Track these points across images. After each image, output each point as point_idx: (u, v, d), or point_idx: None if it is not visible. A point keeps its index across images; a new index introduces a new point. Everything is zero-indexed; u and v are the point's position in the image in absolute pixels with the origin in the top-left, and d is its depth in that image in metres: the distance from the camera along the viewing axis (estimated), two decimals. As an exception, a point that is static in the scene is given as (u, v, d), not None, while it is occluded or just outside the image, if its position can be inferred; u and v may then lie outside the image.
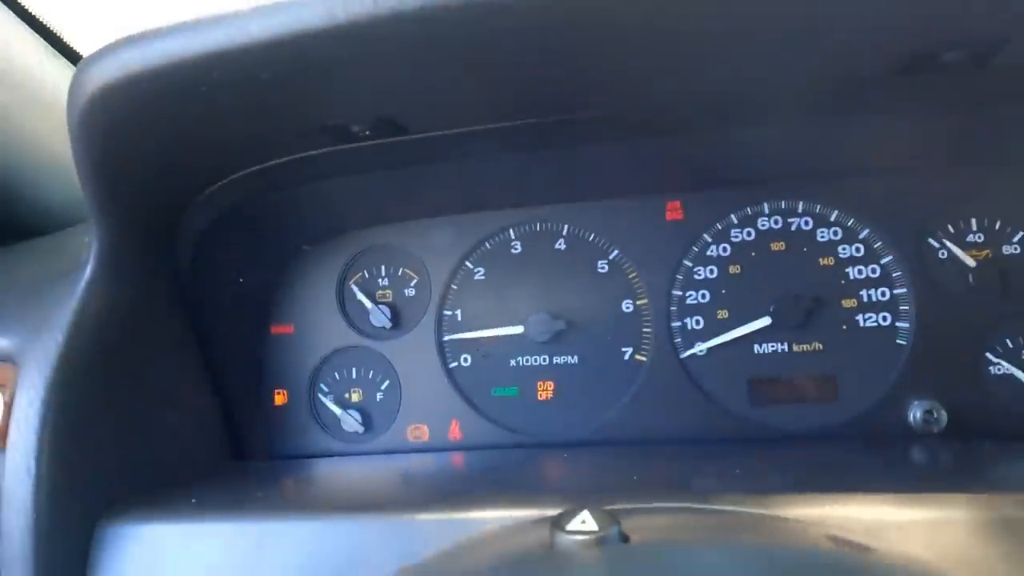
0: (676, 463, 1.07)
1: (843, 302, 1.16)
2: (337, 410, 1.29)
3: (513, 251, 1.27)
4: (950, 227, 1.14)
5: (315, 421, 1.32)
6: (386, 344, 1.30)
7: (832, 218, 1.18)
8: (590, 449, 1.16)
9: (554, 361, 1.25)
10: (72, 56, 1.42)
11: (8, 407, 1.01)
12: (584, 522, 0.63)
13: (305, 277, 1.34)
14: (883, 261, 1.16)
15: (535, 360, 1.25)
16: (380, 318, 1.30)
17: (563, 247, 1.26)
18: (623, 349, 1.22)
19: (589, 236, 1.25)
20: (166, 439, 1.15)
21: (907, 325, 1.13)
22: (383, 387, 1.30)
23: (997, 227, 1.12)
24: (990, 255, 1.12)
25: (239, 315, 1.31)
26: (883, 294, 1.15)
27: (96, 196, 0.96)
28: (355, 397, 1.31)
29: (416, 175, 1.18)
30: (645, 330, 1.21)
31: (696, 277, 1.21)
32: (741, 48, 0.79)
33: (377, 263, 1.33)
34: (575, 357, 1.24)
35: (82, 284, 1.03)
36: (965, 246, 1.13)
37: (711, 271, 1.21)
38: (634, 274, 1.23)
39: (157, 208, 1.05)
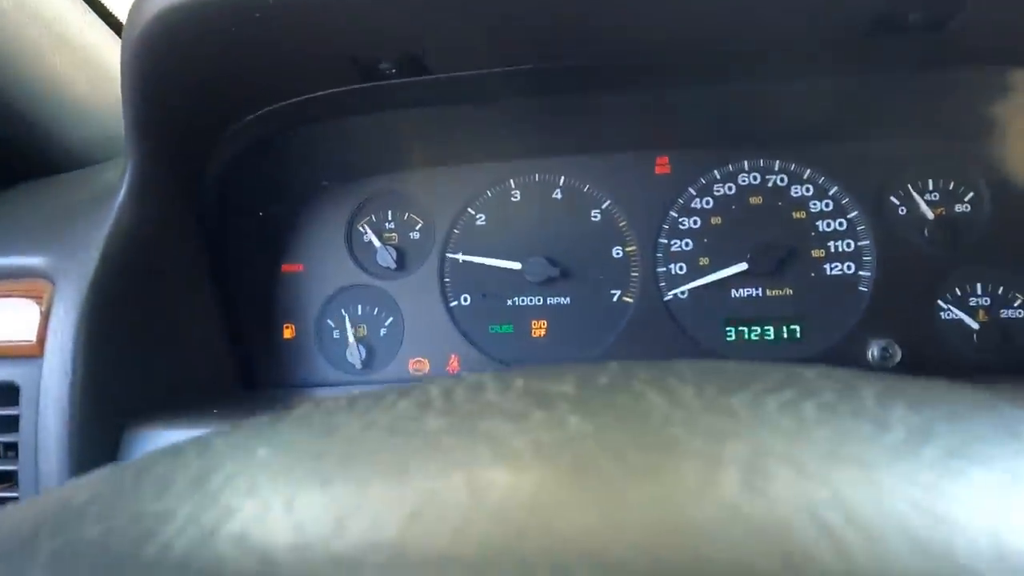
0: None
1: (812, 252, 1.27)
2: (350, 338, 1.38)
3: (513, 199, 1.34)
4: (909, 186, 1.26)
5: (321, 354, 1.40)
6: (391, 283, 1.36)
7: (805, 176, 1.27)
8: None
9: (548, 301, 1.32)
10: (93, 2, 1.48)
11: (45, 318, 1.09)
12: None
13: (316, 218, 1.42)
14: (849, 216, 1.24)
15: (530, 300, 1.34)
16: (386, 258, 1.37)
17: (559, 196, 1.33)
18: (612, 291, 1.30)
19: (584, 187, 1.32)
20: (182, 361, 1.23)
21: (868, 274, 1.22)
22: (387, 323, 1.36)
23: (951, 188, 1.24)
24: (943, 212, 1.24)
25: (253, 251, 1.39)
26: (848, 245, 1.26)
27: (136, 121, 1.04)
28: (360, 332, 1.40)
29: (427, 123, 1.28)
30: (633, 274, 1.29)
31: (681, 227, 1.29)
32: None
33: (385, 207, 1.40)
34: (567, 298, 1.32)
35: (115, 207, 1.11)
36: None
37: (695, 221, 1.29)
38: (624, 223, 1.30)
39: (190, 137, 1.13)
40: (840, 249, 1.27)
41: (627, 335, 1.30)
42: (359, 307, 1.40)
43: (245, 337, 1.36)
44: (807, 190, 1.29)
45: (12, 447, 1.11)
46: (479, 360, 1.35)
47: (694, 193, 1.31)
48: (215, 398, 1.24)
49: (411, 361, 1.37)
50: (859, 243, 1.25)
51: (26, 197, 1.35)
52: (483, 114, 1.26)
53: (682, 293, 1.30)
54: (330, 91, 1.12)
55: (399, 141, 1.35)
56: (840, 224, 1.27)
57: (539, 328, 1.35)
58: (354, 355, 1.38)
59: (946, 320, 1.22)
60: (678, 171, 1.31)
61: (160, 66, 0.93)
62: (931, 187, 1.26)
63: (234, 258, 1.34)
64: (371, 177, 1.42)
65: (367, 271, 1.38)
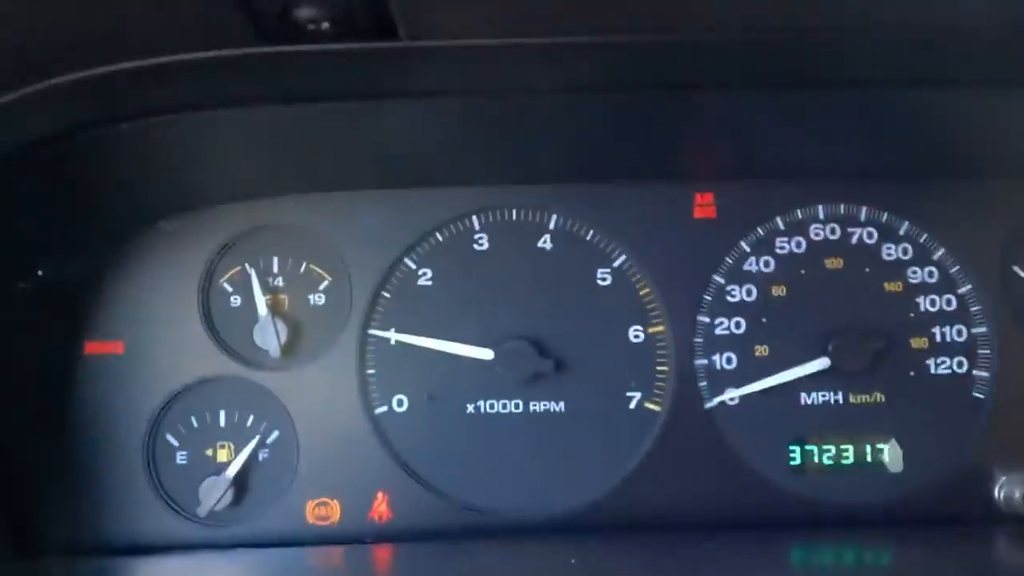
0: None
1: (912, 341, 0.94)
2: (234, 466, 0.90)
3: (477, 247, 0.95)
4: (1037, 251, 0.96)
5: (157, 494, 0.91)
6: (277, 376, 0.93)
7: (901, 231, 0.96)
8: (581, 537, 0.89)
9: (531, 408, 0.93)
10: None
11: None
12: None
13: (146, 270, 0.92)
14: (960, 291, 0.94)
15: (504, 406, 0.93)
16: (269, 336, 0.92)
17: (549, 246, 0.95)
18: (629, 394, 0.94)
19: (586, 232, 0.96)
20: None
21: (986, 374, 0.94)
22: (270, 441, 0.93)
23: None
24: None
25: (36, 324, 0.87)
26: (959, 333, 0.94)
27: None
28: (223, 456, 0.92)
29: (347, 119, 0.80)
30: (660, 368, 0.94)
31: (730, 299, 0.95)
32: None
33: (267, 253, 0.95)
34: (561, 404, 0.94)
35: None
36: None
37: (748, 292, 0.96)
38: (647, 289, 0.95)
39: None
40: (948, 338, 0.94)
41: (651, 463, 0.92)
42: (222, 414, 0.93)
43: (21, 473, 0.84)
44: (904, 251, 0.96)
45: None
46: (422, 502, 0.90)
47: (748, 249, 0.97)
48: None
49: (310, 504, 0.90)
50: (973, 330, 0.95)
51: None
52: (435, 110, 0.78)
53: (732, 400, 0.93)
54: (176, 58, 0.58)
55: (285, 153, 0.87)
56: (948, 302, 0.95)
57: (518, 451, 0.92)
58: (212, 495, 0.89)
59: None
60: (726, 215, 0.96)
61: None
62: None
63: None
64: (239, 203, 0.93)
65: (235, 355, 0.94)
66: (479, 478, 0.92)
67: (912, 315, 0.95)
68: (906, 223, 0.96)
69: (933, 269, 0.96)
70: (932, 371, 0.94)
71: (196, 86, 0.60)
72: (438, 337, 0.93)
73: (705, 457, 0.92)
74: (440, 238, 0.94)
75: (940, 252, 0.96)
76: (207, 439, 0.92)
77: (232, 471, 0.88)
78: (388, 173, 0.91)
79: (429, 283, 0.94)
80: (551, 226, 0.95)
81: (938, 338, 0.94)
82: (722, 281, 0.95)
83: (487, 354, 0.92)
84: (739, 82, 0.77)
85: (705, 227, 0.96)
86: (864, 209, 0.96)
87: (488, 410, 0.93)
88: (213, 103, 0.62)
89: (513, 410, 0.93)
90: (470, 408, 0.93)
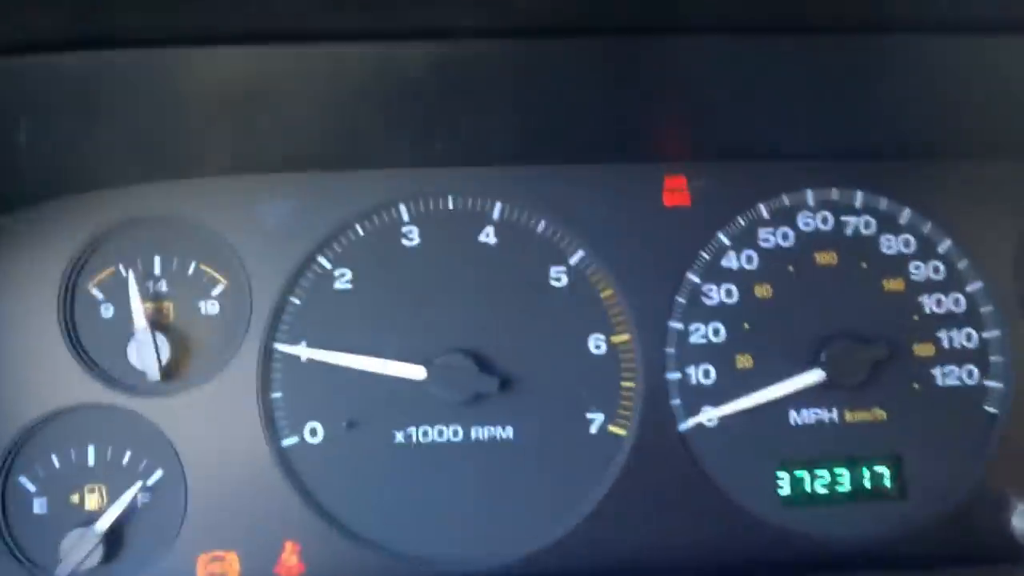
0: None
1: (916, 348, 0.83)
2: (81, 523, 0.75)
3: (406, 242, 0.83)
4: (1057, 242, 0.87)
5: (7, 551, 0.76)
6: (159, 403, 0.79)
7: (902, 220, 0.85)
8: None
9: (473, 436, 0.81)
10: None
11: None
12: None
13: None
14: (969, 288, 0.84)
15: (440, 434, 0.81)
16: (147, 354, 0.78)
17: (492, 240, 0.84)
18: (589, 416, 0.82)
19: (536, 223, 0.84)
20: None
21: (999, 385, 0.84)
22: (152, 483, 0.78)
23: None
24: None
25: None
26: (968, 337, 0.84)
27: None
28: (93, 503, 0.77)
29: (230, 75, 0.66)
30: (625, 385, 0.83)
31: (707, 301, 0.84)
32: None
33: (146, 252, 0.81)
34: (508, 429, 0.81)
35: None
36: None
37: (728, 293, 0.85)
38: (609, 291, 0.84)
39: None
40: (956, 343, 0.84)
41: (617, 496, 0.79)
42: (90, 451, 0.78)
43: None
44: (905, 243, 0.85)
45: None
46: (340, 551, 0.76)
47: (727, 242, 0.85)
48: None
49: (202, 558, 0.76)
50: (984, 334, 0.85)
51: None
52: (342, 65, 0.66)
53: (710, 421, 0.82)
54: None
55: (164, 124, 0.73)
56: (956, 302, 0.84)
57: (457, 488, 0.79)
58: (77, 551, 0.74)
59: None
60: (701, 202, 0.85)
61: None
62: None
63: None
64: (110, 190, 0.79)
65: (107, 379, 0.79)
66: (411, 521, 0.79)
67: (915, 318, 0.85)
68: (907, 211, 0.86)
69: (939, 264, 0.86)
70: (938, 383, 0.84)
71: (19, 20, 0.44)
72: (359, 352, 0.80)
73: (680, 488, 0.81)
74: (361, 232, 0.83)
75: (946, 244, 0.86)
76: (72, 482, 0.78)
77: (104, 522, 0.73)
78: (294, 152, 0.77)
79: (348, 286, 0.82)
80: (494, 216, 0.84)
81: (945, 344, 0.85)
82: (697, 280, 0.85)
83: (419, 372, 0.80)
84: (714, 24, 0.64)
85: (677, 216, 0.84)
86: (860, 194, 0.86)
87: (421, 439, 0.80)
88: (44, 45, 0.46)
89: (451, 438, 0.80)
90: (399, 437, 0.80)
